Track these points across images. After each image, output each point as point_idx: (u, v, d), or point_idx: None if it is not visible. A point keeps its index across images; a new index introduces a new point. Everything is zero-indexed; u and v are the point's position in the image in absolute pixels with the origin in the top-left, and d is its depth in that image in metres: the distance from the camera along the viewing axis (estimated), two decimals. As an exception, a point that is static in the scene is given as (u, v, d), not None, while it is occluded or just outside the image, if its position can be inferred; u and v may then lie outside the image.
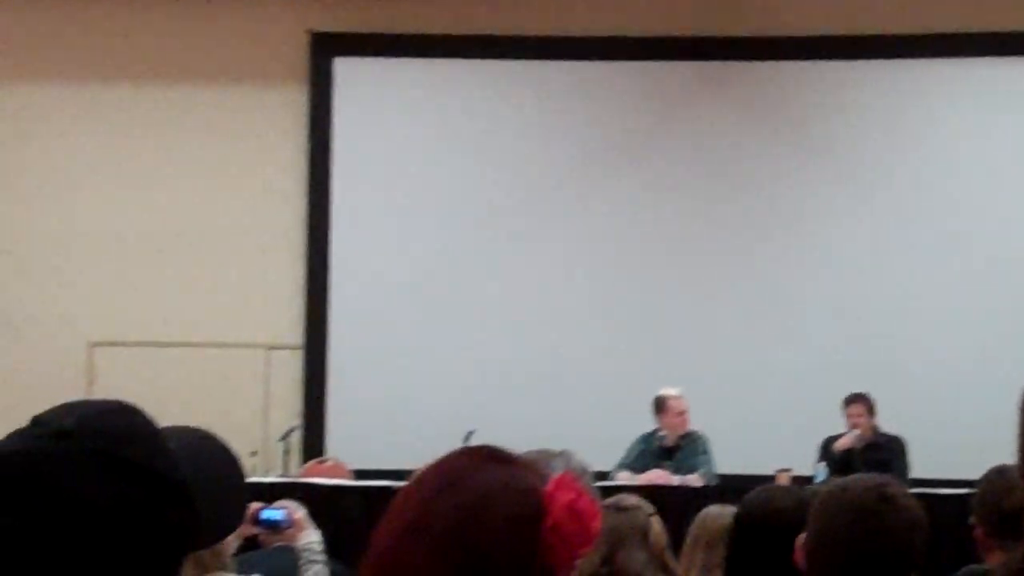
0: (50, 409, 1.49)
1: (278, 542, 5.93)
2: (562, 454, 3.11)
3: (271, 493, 7.91)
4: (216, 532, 1.77)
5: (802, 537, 2.90)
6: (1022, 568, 2.45)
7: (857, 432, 10.83)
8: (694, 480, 10.49)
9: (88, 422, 1.43)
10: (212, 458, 1.79)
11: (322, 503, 9.05)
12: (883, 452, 10.77)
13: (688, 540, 5.35)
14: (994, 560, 3.74)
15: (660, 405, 10.91)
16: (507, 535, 1.76)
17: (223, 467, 1.80)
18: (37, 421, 1.47)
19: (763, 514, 3.54)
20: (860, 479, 2.94)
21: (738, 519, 3.69)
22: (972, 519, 4.02)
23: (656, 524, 5.05)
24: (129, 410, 1.49)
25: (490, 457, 1.86)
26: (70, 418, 1.45)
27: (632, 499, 5.17)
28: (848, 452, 10.74)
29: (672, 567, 5.07)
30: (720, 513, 5.35)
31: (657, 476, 10.52)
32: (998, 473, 3.92)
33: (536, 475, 1.84)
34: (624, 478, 10.43)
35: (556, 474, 1.84)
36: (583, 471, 3.13)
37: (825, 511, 2.87)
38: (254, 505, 5.97)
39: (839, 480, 3.04)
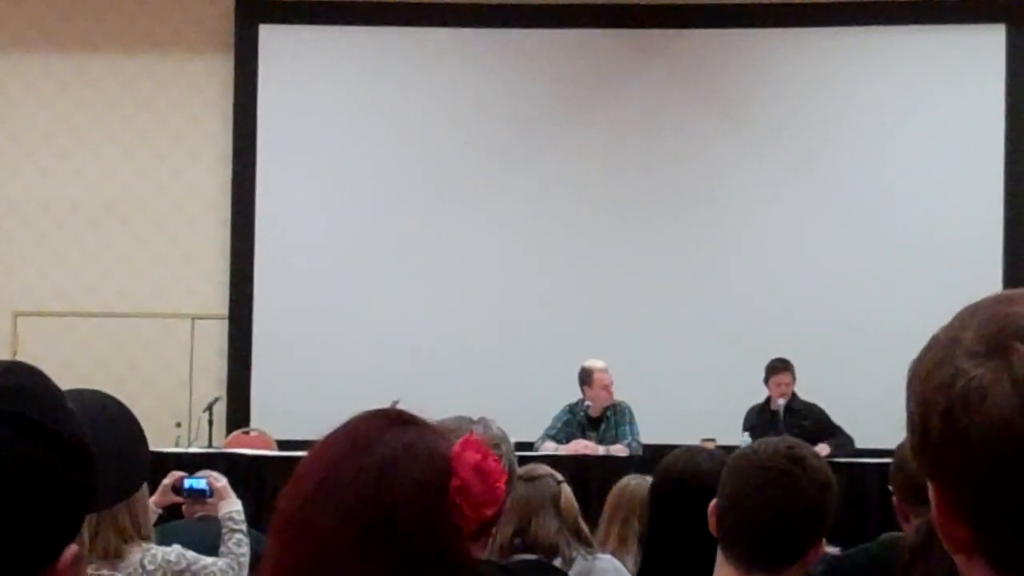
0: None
1: (201, 512, 5.94)
2: (480, 421, 3.11)
3: (194, 463, 7.91)
4: (116, 494, 1.76)
5: (714, 503, 2.91)
6: (928, 534, 2.48)
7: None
8: (619, 450, 10.53)
9: (-19, 381, 1.41)
10: (113, 420, 1.78)
11: (244, 473, 9.07)
12: (807, 419, 10.79)
13: (605, 510, 5.37)
14: (910, 527, 3.78)
15: (586, 377, 10.92)
16: (414, 496, 1.76)
17: (124, 429, 1.79)
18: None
19: (683, 475, 3.51)
20: (769, 442, 2.94)
21: (658, 480, 3.64)
22: (890, 487, 4.06)
23: (567, 492, 5.07)
24: (26, 369, 1.47)
25: (395, 420, 1.86)
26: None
27: (542, 468, 5.19)
28: (773, 418, 10.76)
29: (585, 534, 5.09)
30: (638, 484, 5.37)
31: (582, 446, 10.55)
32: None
33: (441, 437, 1.85)
34: (549, 448, 10.46)
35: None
36: (502, 438, 3.14)
37: (736, 474, 2.88)
38: (176, 474, 5.97)
39: (749, 444, 3.05)
